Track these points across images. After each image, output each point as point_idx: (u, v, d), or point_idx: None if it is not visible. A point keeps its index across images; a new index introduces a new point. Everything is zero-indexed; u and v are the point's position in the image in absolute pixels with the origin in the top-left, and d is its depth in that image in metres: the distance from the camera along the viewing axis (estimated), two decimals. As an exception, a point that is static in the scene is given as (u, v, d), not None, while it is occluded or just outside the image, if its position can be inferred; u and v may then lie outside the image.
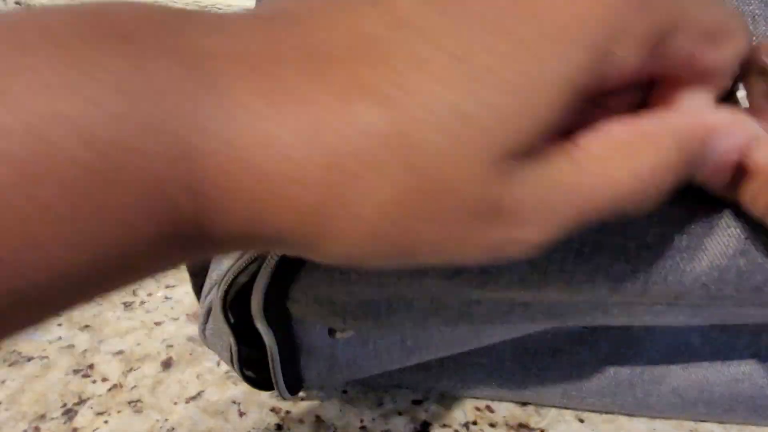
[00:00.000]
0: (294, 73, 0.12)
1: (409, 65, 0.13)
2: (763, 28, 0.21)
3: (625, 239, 0.20)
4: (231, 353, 0.26)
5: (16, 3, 0.47)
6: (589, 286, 0.21)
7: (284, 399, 0.27)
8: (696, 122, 0.16)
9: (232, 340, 0.26)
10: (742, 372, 0.28)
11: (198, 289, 0.28)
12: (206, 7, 0.45)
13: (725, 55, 0.16)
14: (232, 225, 0.13)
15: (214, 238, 0.13)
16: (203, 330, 0.27)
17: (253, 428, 0.30)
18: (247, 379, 0.27)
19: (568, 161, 0.14)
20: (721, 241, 0.20)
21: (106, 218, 0.11)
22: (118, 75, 0.11)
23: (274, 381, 0.26)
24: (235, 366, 0.27)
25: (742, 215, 0.20)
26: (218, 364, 0.34)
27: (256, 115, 0.12)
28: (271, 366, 0.26)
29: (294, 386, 0.27)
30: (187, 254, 0.13)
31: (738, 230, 0.20)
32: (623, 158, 0.15)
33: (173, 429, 0.30)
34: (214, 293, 0.25)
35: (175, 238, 0.12)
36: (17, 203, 0.10)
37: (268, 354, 0.25)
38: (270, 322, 0.24)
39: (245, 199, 0.12)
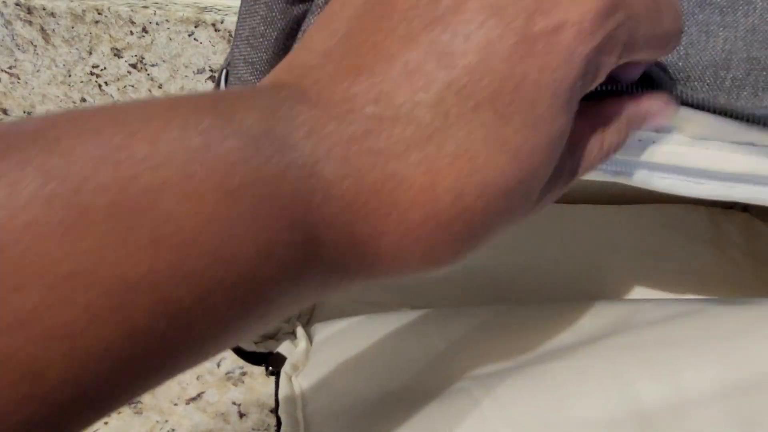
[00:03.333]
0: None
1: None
2: (731, 18, 0.21)
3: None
4: None
5: (17, 4, 0.47)
6: None
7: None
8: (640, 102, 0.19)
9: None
10: None
11: None
12: (206, 7, 0.45)
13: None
14: (342, 234, 0.14)
15: (328, 255, 0.14)
16: None
17: (253, 429, 0.30)
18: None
19: None
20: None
21: (254, 234, 0.13)
22: (250, 132, 0.13)
23: None
24: None
25: None
26: (218, 366, 0.34)
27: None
28: None
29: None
30: (311, 281, 0.15)
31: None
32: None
33: (173, 430, 0.30)
34: None
35: (303, 256, 0.14)
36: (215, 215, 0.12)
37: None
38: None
39: (359, 212, 0.14)
